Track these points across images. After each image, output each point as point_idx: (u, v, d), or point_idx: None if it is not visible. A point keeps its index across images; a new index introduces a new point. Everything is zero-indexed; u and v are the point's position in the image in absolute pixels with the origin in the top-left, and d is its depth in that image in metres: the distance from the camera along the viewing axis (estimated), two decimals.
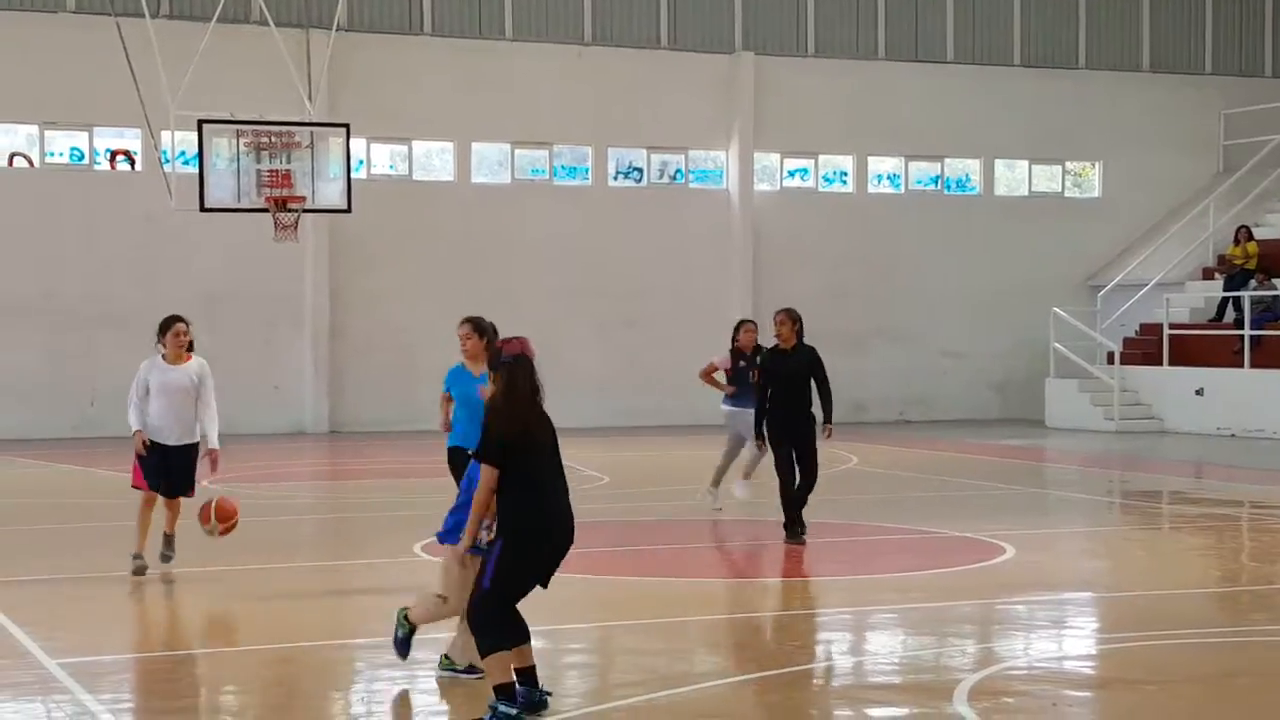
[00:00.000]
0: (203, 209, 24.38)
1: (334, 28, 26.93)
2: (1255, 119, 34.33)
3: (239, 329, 28.43)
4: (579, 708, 8.83)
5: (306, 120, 25.74)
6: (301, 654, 10.61)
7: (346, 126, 25.56)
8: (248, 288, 28.51)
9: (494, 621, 7.63)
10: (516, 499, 7.71)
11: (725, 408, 17.44)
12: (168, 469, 11.74)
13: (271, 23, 26.54)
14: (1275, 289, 29.94)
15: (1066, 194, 34.62)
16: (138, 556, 11.39)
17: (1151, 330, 31.50)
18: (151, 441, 11.71)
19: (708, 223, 32.15)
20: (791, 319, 15.19)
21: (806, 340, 15.43)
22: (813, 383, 15.34)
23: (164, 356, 11.99)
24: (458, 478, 9.28)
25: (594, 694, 9.17)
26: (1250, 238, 31.15)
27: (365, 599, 12.27)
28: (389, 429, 28.88)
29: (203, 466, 11.58)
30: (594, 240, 30.64)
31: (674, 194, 32.39)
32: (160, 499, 11.83)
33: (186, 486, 11.92)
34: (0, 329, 27.31)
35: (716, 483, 17.62)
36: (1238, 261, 31.04)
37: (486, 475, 7.65)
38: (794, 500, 14.73)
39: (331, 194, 25.20)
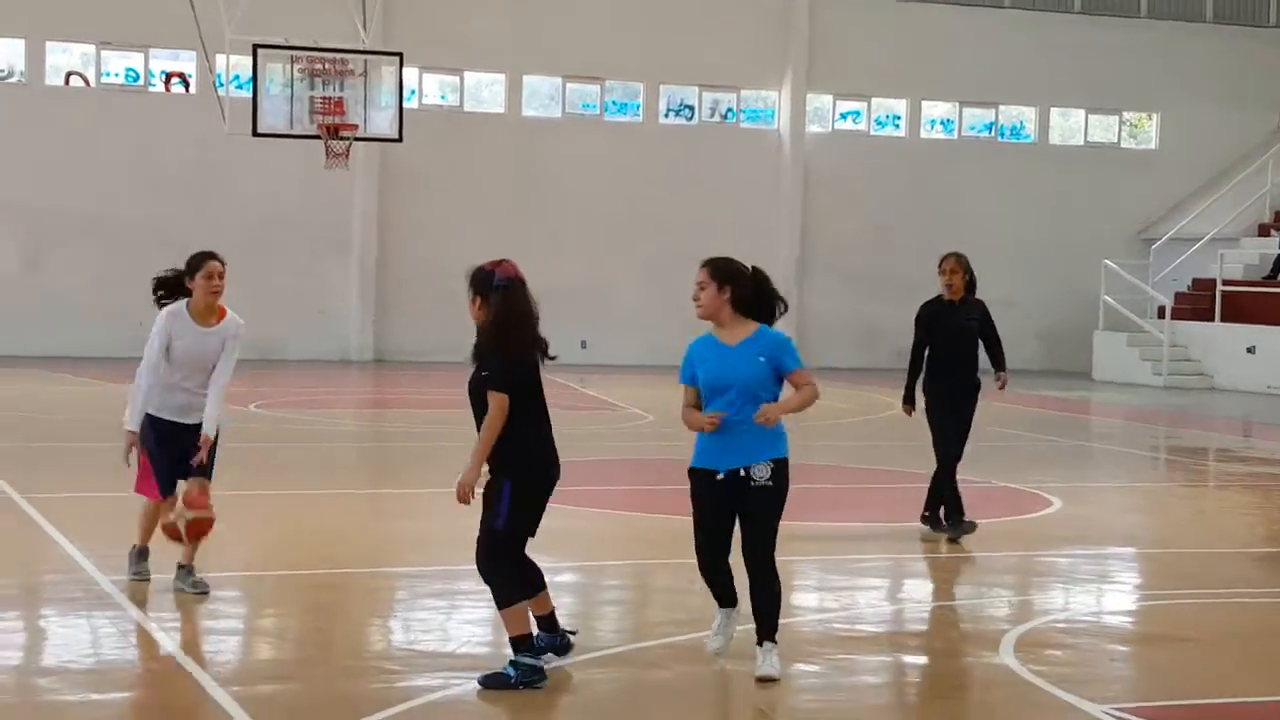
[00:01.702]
0: (255, 134, 24.54)
1: None
2: None
3: (287, 255, 28.58)
4: (617, 645, 8.85)
5: (360, 48, 25.82)
6: (344, 580, 10.71)
7: (400, 55, 25.67)
8: (297, 214, 28.66)
9: (512, 567, 7.61)
10: (523, 432, 7.60)
11: None
12: (184, 454, 9.14)
13: None
14: None
15: (1123, 144, 34.46)
16: (143, 552, 9.37)
17: (1204, 286, 31.40)
18: (167, 420, 9.22)
19: (758, 163, 32.12)
20: (963, 266, 12.90)
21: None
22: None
23: (190, 308, 9.34)
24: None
25: (633, 631, 9.25)
26: None
27: (403, 525, 12.49)
28: (432, 359, 28.97)
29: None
30: (643, 178, 30.61)
31: (725, 133, 32.34)
32: (167, 502, 9.24)
33: (204, 473, 9.19)
34: (53, 249, 27.55)
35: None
36: None
37: (501, 403, 7.45)
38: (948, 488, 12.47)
39: (382, 123, 25.34)
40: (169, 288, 9.54)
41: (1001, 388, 13.01)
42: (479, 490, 7.54)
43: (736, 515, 7.44)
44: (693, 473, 7.48)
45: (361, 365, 28.97)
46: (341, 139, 24.85)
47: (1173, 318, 31.14)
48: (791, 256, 31.28)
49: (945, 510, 12.43)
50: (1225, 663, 9.06)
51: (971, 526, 12.25)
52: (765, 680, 7.32)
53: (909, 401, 12.90)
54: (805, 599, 10.44)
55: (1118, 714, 7.81)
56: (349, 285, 29.41)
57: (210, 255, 9.36)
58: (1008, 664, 8.77)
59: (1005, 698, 8.36)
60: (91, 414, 20.21)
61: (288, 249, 28.50)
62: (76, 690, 7.86)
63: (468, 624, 8.60)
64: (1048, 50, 33.05)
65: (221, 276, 9.33)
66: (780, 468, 7.37)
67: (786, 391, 7.45)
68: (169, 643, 8.62)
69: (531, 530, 7.72)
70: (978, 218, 32.11)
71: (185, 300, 9.33)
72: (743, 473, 7.29)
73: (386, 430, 20.65)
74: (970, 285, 12.92)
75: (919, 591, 11.19)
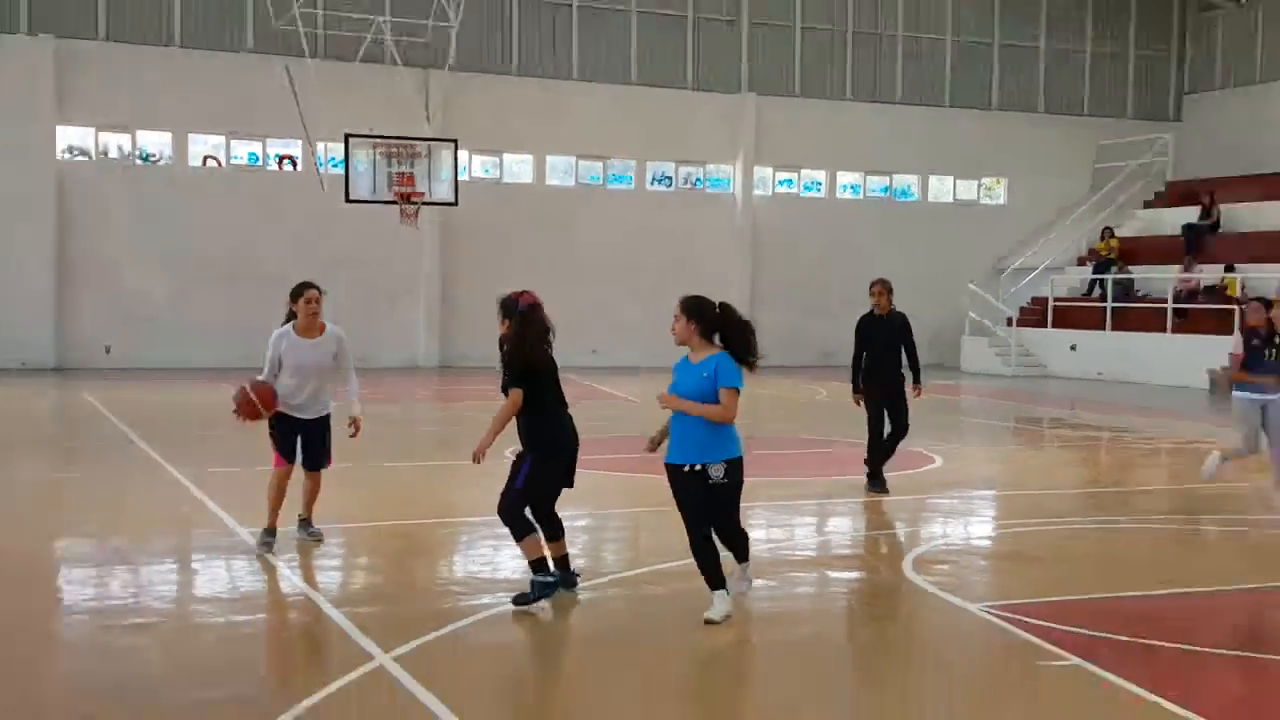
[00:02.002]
0: (347, 200, 24.58)
1: (446, 68, 26.98)
2: (1117, 150, 34.44)
3: (373, 289, 28.49)
4: (620, 570, 9.16)
5: (425, 136, 25.90)
6: (419, 529, 10.77)
7: (455, 141, 25.69)
8: (379, 259, 28.44)
9: (520, 514, 7.68)
10: (540, 420, 7.73)
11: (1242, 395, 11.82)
12: (304, 442, 9.22)
13: (400, 63, 26.53)
14: (1130, 274, 30.37)
15: (981, 201, 34.51)
16: (269, 532, 9.11)
17: (1039, 302, 31.82)
18: (285, 415, 9.12)
19: (719, 219, 32.02)
20: (887, 289, 13.03)
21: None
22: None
23: (295, 327, 9.16)
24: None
25: (631, 560, 9.63)
26: (1113, 236, 31.78)
27: (462, 489, 12.43)
28: (482, 364, 28.90)
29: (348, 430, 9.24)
30: (635, 229, 30.55)
31: (694, 196, 32.26)
32: (293, 473, 9.33)
33: (324, 458, 9.36)
34: (196, 287, 27.41)
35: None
36: (1103, 253, 31.57)
37: (514, 397, 7.59)
38: (883, 450, 12.49)
39: (443, 191, 25.49)
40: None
41: (917, 395, 12.65)
42: (509, 459, 7.85)
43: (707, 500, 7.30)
44: (667, 466, 7.40)
45: (428, 370, 28.91)
46: (412, 204, 24.94)
47: (1017, 325, 31.62)
48: (745, 286, 31.23)
49: (869, 473, 12.41)
50: (1064, 571, 9.64)
51: (884, 488, 12.27)
52: (739, 594, 7.50)
53: (858, 391, 12.56)
54: (758, 534, 10.49)
55: (987, 610, 7.90)
56: (418, 310, 29.35)
57: (309, 285, 9.22)
58: (909, 576, 8.97)
59: (907, 600, 8.79)
60: (225, 413, 20.22)
61: (373, 285, 28.38)
62: (223, 613, 7.97)
63: (510, 559, 8.57)
64: (928, 133, 33.06)
65: (318, 301, 9.16)
66: (733, 466, 7.28)
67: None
68: (294, 577, 8.73)
69: (549, 494, 7.90)
70: (878, 256, 31.81)
71: (292, 322, 9.15)
72: (699, 468, 7.19)
73: (447, 416, 20.62)
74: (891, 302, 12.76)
75: (843, 526, 11.52)
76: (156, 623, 7.66)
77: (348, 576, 8.82)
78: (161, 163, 28.37)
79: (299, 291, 9.14)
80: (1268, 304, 11.48)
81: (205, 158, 28.61)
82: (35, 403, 21.07)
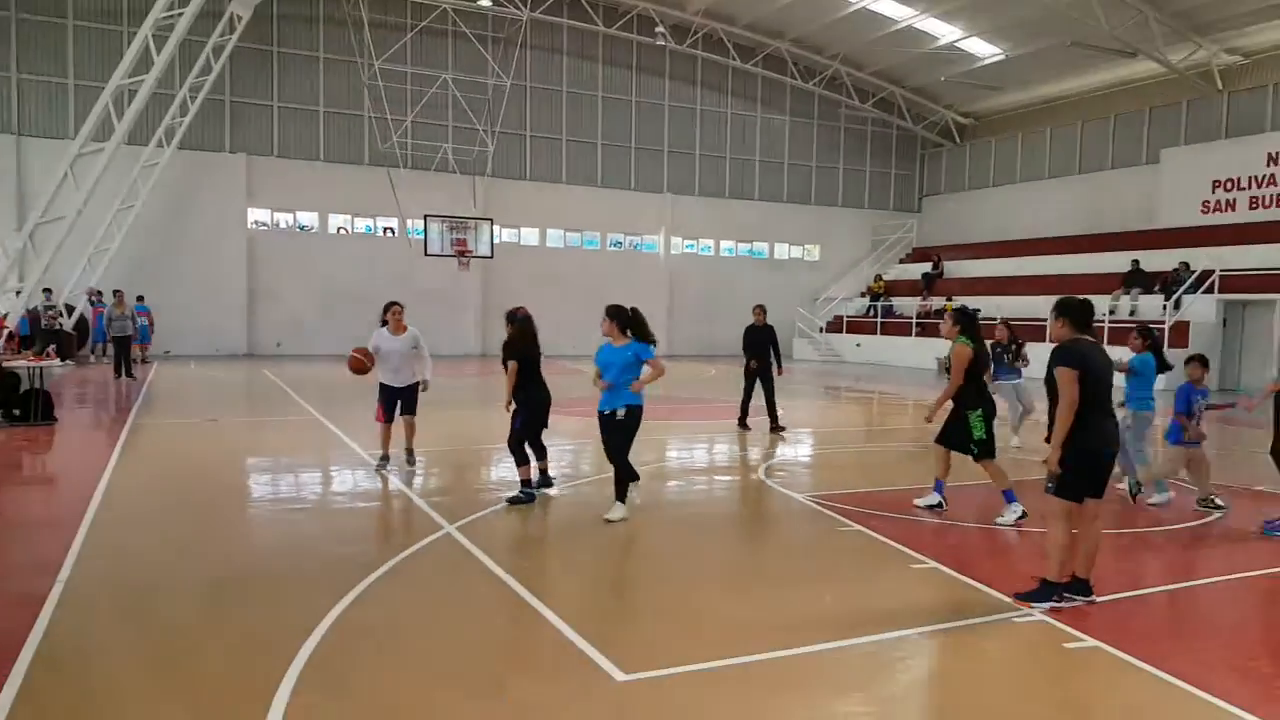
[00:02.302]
0: (425, 254, 24.40)
1: (486, 174, 26.87)
2: (885, 229, 34.57)
3: (439, 308, 28.38)
4: (591, 476, 9.11)
5: (473, 215, 25.74)
6: (468, 452, 10.80)
7: (491, 219, 25.55)
8: (447, 291, 28.23)
9: (519, 447, 7.73)
10: (529, 386, 7.77)
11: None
12: (398, 401, 9.04)
13: (458, 171, 26.44)
14: (890, 303, 30.36)
15: (805, 259, 34.52)
16: (384, 457, 8.97)
17: (838, 318, 31.74)
18: (385, 384, 9.08)
19: (650, 268, 31.91)
20: (763, 310, 12.94)
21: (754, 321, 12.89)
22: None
23: (386, 326, 9.19)
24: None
25: (597, 468, 9.41)
26: (881, 280, 31.73)
27: (494, 427, 12.47)
28: None
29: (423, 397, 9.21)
30: (599, 277, 30.48)
31: (635, 255, 32.10)
32: (392, 427, 9.08)
33: (412, 408, 9.12)
34: (334, 306, 27.15)
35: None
36: (876, 290, 31.61)
37: (512, 369, 7.68)
38: (768, 407, 12.40)
39: (485, 249, 25.31)
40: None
41: (779, 375, 12.59)
42: (512, 408, 7.79)
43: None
44: (599, 413, 7.18)
45: (474, 357, 28.82)
46: (465, 257, 24.82)
47: (825, 332, 31.44)
48: (665, 308, 31.30)
49: (770, 421, 12.33)
50: (850, 475, 9.55)
51: (780, 431, 12.17)
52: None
53: (746, 370, 12.53)
54: (672, 453, 10.62)
55: (808, 498, 8.06)
56: (469, 320, 29.20)
57: (394, 302, 9.35)
58: (762, 479, 9.03)
59: (760, 493, 8.73)
60: (352, 382, 20.16)
61: (441, 303, 28.30)
62: (351, 502, 8.02)
63: (514, 473, 8.57)
64: (774, 217, 33.26)
65: (400, 312, 9.24)
66: (632, 411, 7.08)
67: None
68: (395, 480, 8.76)
69: (536, 431, 7.90)
70: (745, 293, 32.22)
71: (385, 325, 9.16)
72: (610, 412, 7.07)
73: (484, 384, 20.69)
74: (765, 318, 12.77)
75: (722, 450, 11.19)
76: (309, 506, 7.70)
77: (426, 480, 8.81)
78: (312, 231, 28.11)
79: (388, 306, 9.27)
80: (1007, 324, 11.71)
81: (339, 228, 28.36)
82: (234, 373, 20.92)
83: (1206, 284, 21.88)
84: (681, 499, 8.38)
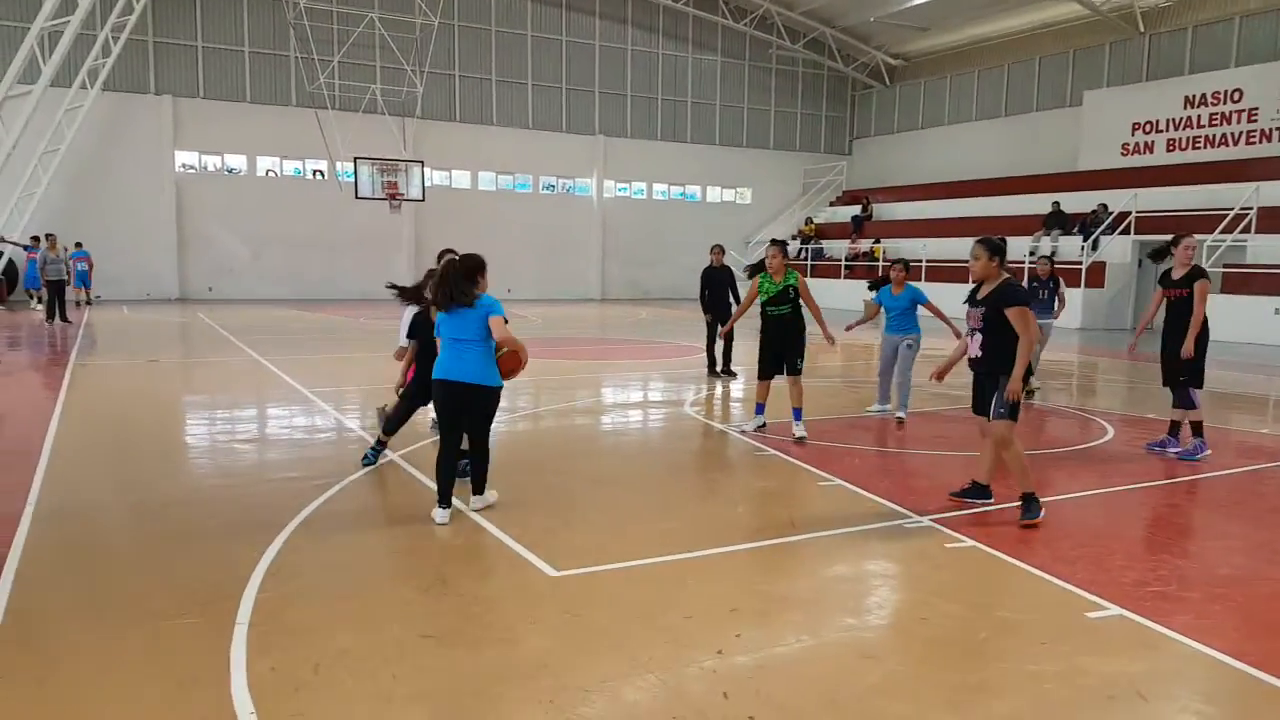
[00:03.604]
0: (356, 197, 24.33)
1: (416, 116, 26.72)
2: (816, 171, 35.29)
3: (371, 250, 28.35)
4: (512, 416, 9.41)
5: (403, 158, 25.68)
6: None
7: (422, 161, 25.52)
8: (379, 234, 28.24)
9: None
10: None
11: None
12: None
13: (386, 112, 26.22)
14: (821, 245, 31.15)
15: (736, 202, 35.04)
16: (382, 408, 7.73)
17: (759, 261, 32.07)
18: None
19: (583, 213, 32.16)
20: (721, 250, 12.31)
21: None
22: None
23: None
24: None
25: (525, 405, 9.74)
26: (812, 222, 32.48)
27: None
28: None
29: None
30: (533, 220, 30.73)
31: (568, 198, 32.27)
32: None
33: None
34: (264, 249, 27.13)
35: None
36: (807, 232, 32.33)
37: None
38: (725, 352, 12.04)
39: (416, 192, 25.32)
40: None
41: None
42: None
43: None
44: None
45: None
46: (396, 200, 24.79)
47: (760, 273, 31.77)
48: (599, 252, 31.69)
49: (722, 364, 11.97)
50: (785, 404, 9.72)
51: (731, 374, 11.91)
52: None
53: (706, 312, 12.11)
54: (605, 390, 10.99)
55: (728, 427, 8.50)
56: (401, 263, 29.15)
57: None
58: (688, 412, 9.46)
59: (685, 423, 8.99)
60: (288, 323, 20.20)
61: (373, 247, 28.28)
62: (294, 434, 8.23)
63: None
64: (706, 160, 33.66)
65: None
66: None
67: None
68: (342, 418, 8.93)
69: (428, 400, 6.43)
70: (678, 236, 32.77)
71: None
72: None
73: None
74: (723, 259, 12.12)
75: (656, 387, 11.46)
76: (252, 438, 7.98)
77: (368, 417, 9.12)
78: (241, 174, 27.65)
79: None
80: (906, 266, 9.80)
81: (268, 171, 27.95)
82: (168, 317, 20.74)
83: (1123, 225, 22.95)
84: (612, 430, 8.79)
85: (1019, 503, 5.75)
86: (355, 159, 24.87)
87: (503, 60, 30.31)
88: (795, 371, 8.17)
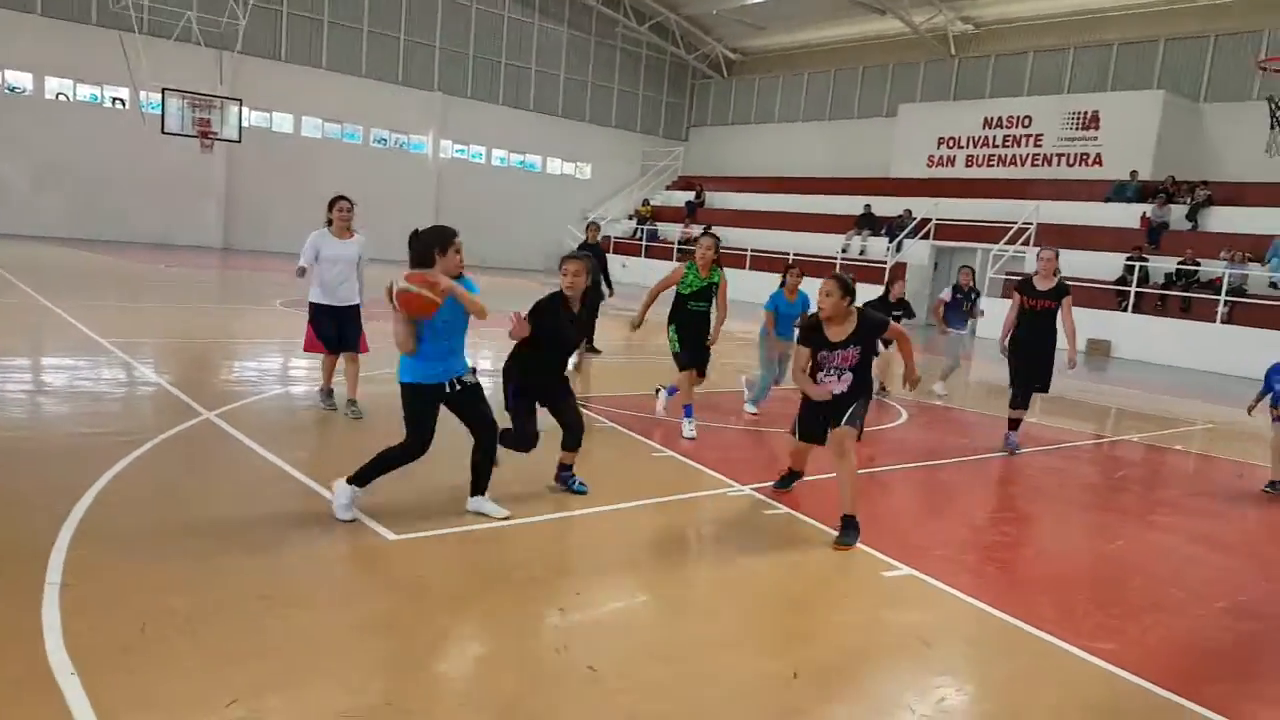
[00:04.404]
0: (163, 132, 22.76)
1: (236, 50, 25.13)
2: (654, 154, 35.98)
3: (178, 190, 26.51)
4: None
5: (220, 94, 24.11)
6: (214, 346, 10.51)
7: (240, 100, 24.07)
8: (186, 175, 26.38)
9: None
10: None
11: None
12: (338, 327, 7.17)
13: (203, 43, 24.52)
14: (656, 227, 31.64)
15: (576, 176, 35.21)
16: (327, 392, 7.41)
17: (606, 239, 31.80)
18: (318, 304, 7.14)
19: (418, 170, 31.31)
20: (597, 226, 12.25)
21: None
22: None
23: (330, 226, 7.20)
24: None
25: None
26: (648, 204, 32.99)
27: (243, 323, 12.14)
28: (259, 248, 27.50)
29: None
30: (361, 171, 29.51)
31: (402, 154, 31.33)
32: (339, 359, 7.34)
33: (355, 342, 7.24)
34: (48, 181, 24.70)
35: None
36: (644, 214, 32.87)
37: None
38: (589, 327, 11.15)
39: (231, 132, 23.96)
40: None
41: (610, 296, 11.77)
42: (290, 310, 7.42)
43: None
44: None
45: (217, 249, 27.17)
46: (209, 139, 23.28)
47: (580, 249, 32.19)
48: (432, 212, 30.81)
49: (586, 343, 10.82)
50: (621, 379, 9.87)
51: (595, 351, 11.67)
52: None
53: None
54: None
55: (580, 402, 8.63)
56: (212, 208, 27.44)
57: (342, 197, 7.34)
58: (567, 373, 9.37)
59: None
60: (66, 264, 18.56)
61: (178, 188, 26.42)
62: (99, 388, 7.73)
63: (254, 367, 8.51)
64: (547, 132, 33.59)
65: (350, 210, 7.31)
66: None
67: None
68: (146, 371, 8.48)
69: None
70: (516, 205, 32.56)
71: (328, 225, 7.23)
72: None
73: (232, 278, 19.67)
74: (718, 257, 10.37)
75: (497, 361, 11.55)
76: (57, 391, 7.41)
77: (177, 371, 8.61)
78: (25, 93, 24.94)
79: (334, 202, 7.28)
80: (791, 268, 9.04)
81: (58, 94, 25.36)
82: None
83: (923, 231, 24.88)
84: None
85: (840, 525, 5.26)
86: (164, 90, 23.02)
87: (337, 1, 28.91)
88: (704, 374, 7.73)
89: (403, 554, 4.43)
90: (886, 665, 3.68)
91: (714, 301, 7.56)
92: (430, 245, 4.83)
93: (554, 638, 3.63)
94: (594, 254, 11.66)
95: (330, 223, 7.22)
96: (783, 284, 8.75)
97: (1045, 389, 8.04)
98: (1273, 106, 11.02)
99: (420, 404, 4.69)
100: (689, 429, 7.54)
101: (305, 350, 7.40)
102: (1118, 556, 5.47)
